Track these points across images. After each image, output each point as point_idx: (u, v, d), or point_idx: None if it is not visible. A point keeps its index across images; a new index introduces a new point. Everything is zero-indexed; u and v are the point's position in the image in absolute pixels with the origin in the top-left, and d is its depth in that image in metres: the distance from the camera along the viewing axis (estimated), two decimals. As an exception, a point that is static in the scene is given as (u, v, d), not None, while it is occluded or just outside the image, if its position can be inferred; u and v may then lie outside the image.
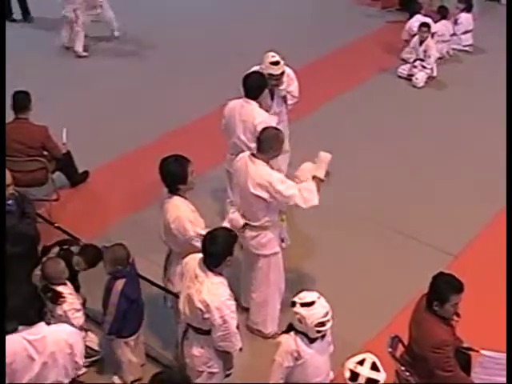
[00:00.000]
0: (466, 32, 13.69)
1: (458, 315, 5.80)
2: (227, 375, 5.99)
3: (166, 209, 6.33)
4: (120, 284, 6.25)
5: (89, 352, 6.87)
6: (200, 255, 5.65)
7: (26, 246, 6.46)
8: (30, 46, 13.20)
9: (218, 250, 5.53)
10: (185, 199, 6.37)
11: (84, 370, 6.75)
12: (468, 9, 13.75)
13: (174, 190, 6.33)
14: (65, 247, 6.67)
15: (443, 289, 5.67)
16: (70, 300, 6.34)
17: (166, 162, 6.37)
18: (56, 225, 7.13)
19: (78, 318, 6.38)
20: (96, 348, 6.89)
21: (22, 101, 8.33)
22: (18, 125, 8.25)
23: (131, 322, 6.47)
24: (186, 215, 6.25)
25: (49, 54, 13.05)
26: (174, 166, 6.31)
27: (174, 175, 6.30)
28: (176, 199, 6.31)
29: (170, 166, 6.31)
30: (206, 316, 5.48)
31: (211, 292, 5.46)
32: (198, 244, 5.91)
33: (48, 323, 5.75)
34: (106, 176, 9.58)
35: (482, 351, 5.92)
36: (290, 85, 8.47)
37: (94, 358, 6.89)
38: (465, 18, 13.70)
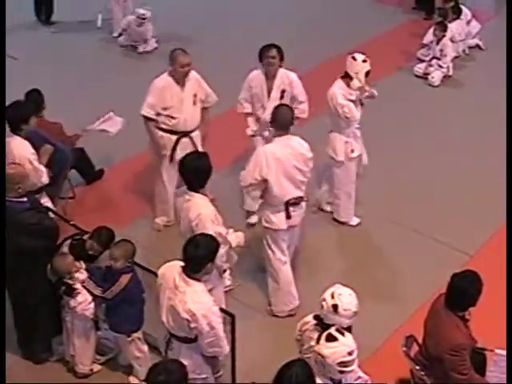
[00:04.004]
0: (469, 22, 13.56)
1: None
2: (218, 377, 5.99)
3: (188, 207, 6.30)
4: (125, 278, 6.30)
5: (103, 350, 6.93)
6: (178, 264, 5.59)
7: (51, 240, 6.53)
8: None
9: (200, 253, 5.45)
10: (206, 196, 6.37)
11: (99, 367, 6.84)
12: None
13: (197, 187, 6.32)
14: (77, 238, 6.70)
15: (476, 293, 5.69)
16: (83, 292, 6.37)
17: (190, 158, 6.42)
18: (72, 222, 7.14)
19: (91, 309, 6.41)
20: (110, 345, 6.94)
21: (35, 100, 8.28)
22: None
23: (135, 316, 6.52)
24: (208, 214, 6.23)
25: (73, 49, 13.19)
26: (200, 161, 6.35)
27: (201, 171, 6.33)
28: (198, 197, 6.30)
29: (197, 162, 6.33)
30: (193, 325, 5.42)
31: (195, 300, 5.39)
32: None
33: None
34: (122, 174, 9.60)
35: (497, 350, 5.91)
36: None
37: (108, 356, 6.94)
38: None
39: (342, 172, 8.55)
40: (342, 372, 5.13)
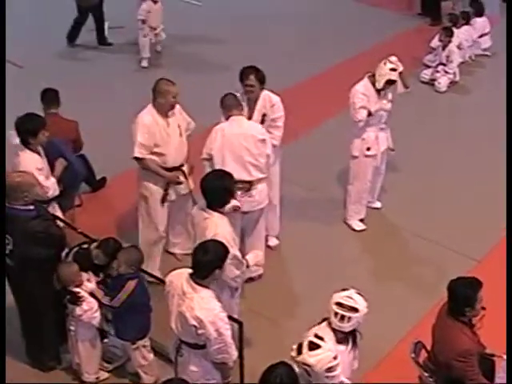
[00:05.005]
0: (482, 35, 13.60)
1: (484, 308, 5.76)
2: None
3: (205, 226, 6.28)
4: (131, 285, 6.27)
5: (111, 357, 6.93)
6: (185, 271, 5.60)
7: (57, 248, 6.55)
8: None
9: (208, 259, 5.46)
10: (224, 216, 6.35)
11: (106, 375, 6.83)
12: (480, 13, 13.63)
13: (216, 206, 6.32)
14: (84, 246, 6.69)
15: (470, 293, 5.67)
16: (89, 299, 6.36)
17: (212, 177, 6.44)
18: (79, 230, 7.14)
19: (97, 317, 6.40)
20: (118, 353, 6.93)
21: (52, 96, 8.34)
22: (49, 119, 7.92)
23: (140, 324, 6.49)
24: (224, 235, 6.19)
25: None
26: (222, 181, 6.36)
27: (222, 190, 6.33)
28: (217, 216, 6.30)
29: (219, 181, 6.33)
30: (201, 332, 5.42)
31: (202, 307, 5.39)
32: (231, 267, 5.96)
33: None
34: (128, 181, 9.56)
35: (505, 356, 5.88)
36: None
37: (116, 364, 6.92)
38: (479, 22, 13.58)
39: (355, 167, 8.63)
40: (328, 377, 5.18)
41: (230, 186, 6.43)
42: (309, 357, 5.15)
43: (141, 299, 6.39)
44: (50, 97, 8.36)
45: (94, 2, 13.24)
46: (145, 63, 13.03)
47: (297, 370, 5.22)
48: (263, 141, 7.38)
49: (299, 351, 5.25)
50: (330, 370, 5.14)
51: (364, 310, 5.43)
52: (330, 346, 5.23)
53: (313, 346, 5.19)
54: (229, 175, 6.48)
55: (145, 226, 7.82)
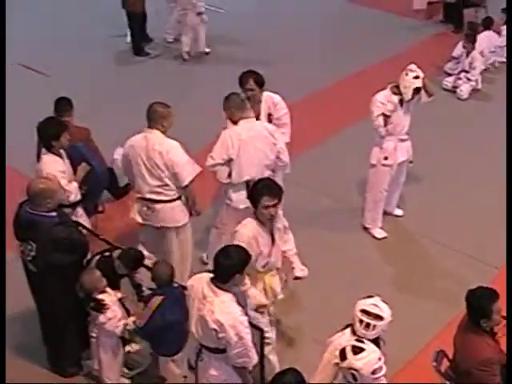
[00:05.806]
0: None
1: (504, 318, 5.74)
2: None
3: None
4: (156, 301, 6.19)
5: (132, 363, 6.93)
6: (206, 276, 5.61)
7: (80, 255, 6.58)
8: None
9: (230, 263, 5.47)
10: (257, 221, 6.31)
11: (126, 381, 6.82)
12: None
13: (254, 208, 6.32)
14: (106, 254, 6.69)
15: (485, 304, 5.63)
16: (113, 307, 6.33)
17: (264, 182, 6.46)
18: (101, 237, 7.16)
19: (120, 326, 6.35)
20: (140, 360, 6.92)
21: (64, 104, 8.32)
22: None
23: (168, 341, 6.34)
24: (242, 235, 6.23)
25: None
26: (265, 182, 6.40)
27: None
28: (250, 220, 6.33)
29: (260, 186, 6.32)
30: (221, 335, 5.42)
31: (223, 311, 5.40)
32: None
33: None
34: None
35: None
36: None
37: (137, 370, 6.92)
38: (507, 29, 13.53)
39: (373, 175, 8.67)
40: (374, 379, 5.16)
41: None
42: (355, 361, 5.14)
43: (170, 316, 6.18)
44: (62, 105, 8.34)
45: (140, 10, 13.47)
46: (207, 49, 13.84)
47: (340, 375, 5.28)
48: (275, 144, 7.54)
49: (342, 357, 5.23)
50: (375, 371, 5.14)
51: (389, 318, 5.42)
52: (372, 347, 5.22)
53: (357, 350, 5.18)
54: (274, 181, 6.52)
55: (185, 248, 7.77)
